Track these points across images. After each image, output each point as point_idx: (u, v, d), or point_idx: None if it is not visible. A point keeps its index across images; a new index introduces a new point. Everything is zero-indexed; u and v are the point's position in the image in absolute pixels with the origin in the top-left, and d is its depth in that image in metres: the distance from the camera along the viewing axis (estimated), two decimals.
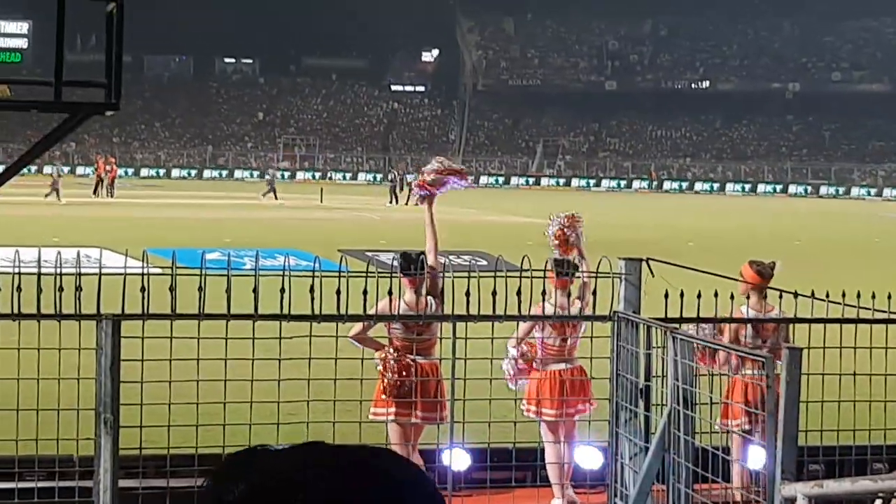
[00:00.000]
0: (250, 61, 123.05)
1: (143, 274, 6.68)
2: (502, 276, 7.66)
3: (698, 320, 8.06)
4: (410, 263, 8.78)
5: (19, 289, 6.83)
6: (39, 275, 6.68)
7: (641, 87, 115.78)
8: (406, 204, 59.92)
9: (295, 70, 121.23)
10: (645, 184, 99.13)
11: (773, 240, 37.08)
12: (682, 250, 28.45)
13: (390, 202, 61.36)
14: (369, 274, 7.42)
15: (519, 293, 7.62)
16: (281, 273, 6.83)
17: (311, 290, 7.00)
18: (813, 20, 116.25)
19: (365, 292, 7.46)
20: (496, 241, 27.63)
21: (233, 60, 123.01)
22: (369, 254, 32.62)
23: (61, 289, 6.77)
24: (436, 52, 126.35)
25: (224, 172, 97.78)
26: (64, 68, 7.30)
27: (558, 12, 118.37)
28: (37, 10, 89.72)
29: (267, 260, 32.69)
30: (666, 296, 8.19)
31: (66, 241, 32.63)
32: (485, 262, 22.25)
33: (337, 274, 7.11)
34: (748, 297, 9.28)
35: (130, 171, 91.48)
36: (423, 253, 8.89)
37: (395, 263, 8.51)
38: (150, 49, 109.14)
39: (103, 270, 6.83)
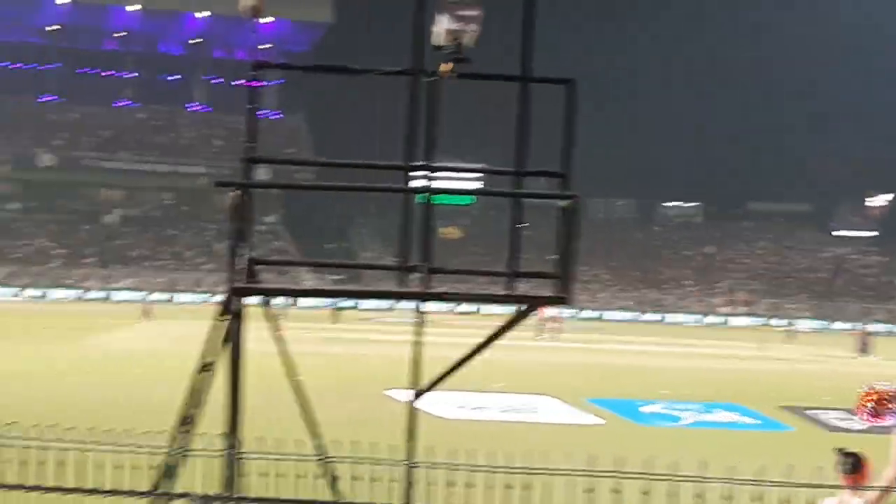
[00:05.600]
0: (695, 204, 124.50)
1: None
2: None
3: None
4: (852, 464, 8.40)
5: None
6: None
7: None
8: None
9: (741, 214, 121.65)
10: None
11: None
12: None
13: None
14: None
15: None
16: None
17: None
18: None
19: None
20: None
21: (678, 203, 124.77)
22: (809, 412, 31.07)
23: None
24: (888, 196, 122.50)
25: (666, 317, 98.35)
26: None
27: None
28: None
29: (705, 415, 31.42)
30: None
31: (514, 385, 33.30)
32: None
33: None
34: None
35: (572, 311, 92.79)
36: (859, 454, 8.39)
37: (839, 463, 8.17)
38: (594, 192, 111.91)
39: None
